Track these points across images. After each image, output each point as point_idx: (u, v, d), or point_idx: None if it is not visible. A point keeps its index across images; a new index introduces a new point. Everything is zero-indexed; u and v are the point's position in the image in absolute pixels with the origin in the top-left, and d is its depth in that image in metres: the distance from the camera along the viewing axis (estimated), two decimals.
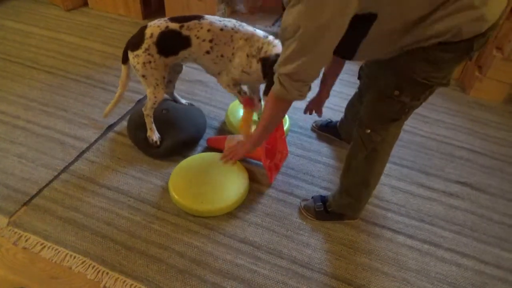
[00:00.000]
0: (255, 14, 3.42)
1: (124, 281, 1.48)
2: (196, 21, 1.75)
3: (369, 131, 1.44)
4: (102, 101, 2.32)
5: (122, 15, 3.19)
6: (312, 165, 2.03)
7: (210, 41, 1.75)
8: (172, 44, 1.75)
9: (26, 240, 1.59)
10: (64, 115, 2.20)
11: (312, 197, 1.80)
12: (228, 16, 3.28)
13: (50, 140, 2.04)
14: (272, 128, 1.61)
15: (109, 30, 3.02)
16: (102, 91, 2.40)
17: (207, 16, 1.78)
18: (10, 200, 1.73)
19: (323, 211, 1.74)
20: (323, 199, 1.77)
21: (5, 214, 1.67)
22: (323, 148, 2.13)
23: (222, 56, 1.79)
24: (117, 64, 2.64)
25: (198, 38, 1.75)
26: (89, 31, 2.99)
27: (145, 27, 1.75)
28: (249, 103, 1.87)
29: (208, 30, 1.75)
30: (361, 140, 1.48)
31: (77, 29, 3.01)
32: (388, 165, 2.03)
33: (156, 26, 1.73)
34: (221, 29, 1.75)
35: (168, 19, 1.76)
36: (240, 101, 1.91)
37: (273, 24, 3.29)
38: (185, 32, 1.74)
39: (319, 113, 2.10)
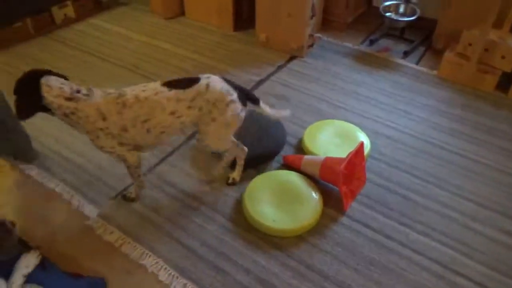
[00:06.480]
0: (343, 31, 3.36)
1: None
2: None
3: None
4: None
5: (215, 25, 3.34)
6: (390, 197, 1.92)
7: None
8: None
9: (110, 233, 1.73)
10: None
11: None
12: (318, 31, 3.26)
13: None
14: None
15: (202, 39, 3.18)
16: None
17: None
18: (101, 193, 1.89)
19: None
20: None
21: (96, 205, 1.84)
22: (404, 179, 2.00)
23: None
24: (205, 73, 2.76)
25: None
26: (183, 39, 3.18)
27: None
28: None
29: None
30: None
31: (172, 36, 3.22)
32: (472, 205, 1.85)
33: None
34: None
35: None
36: None
37: (361, 43, 3.20)
38: None
39: None
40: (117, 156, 1.64)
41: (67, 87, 1.49)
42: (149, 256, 1.64)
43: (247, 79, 2.72)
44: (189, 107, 1.57)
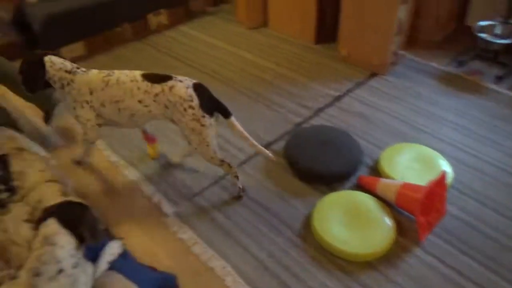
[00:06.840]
0: (430, 50, 3.19)
1: None
2: None
3: None
4: (266, 118, 2.49)
5: (297, 37, 3.37)
6: (472, 234, 1.78)
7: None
8: None
9: (184, 232, 1.82)
10: None
11: None
12: (403, 48, 3.14)
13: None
14: None
15: (282, 50, 3.23)
16: (266, 108, 2.58)
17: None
18: (178, 194, 2.01)
19: None
20: None
21: (173, 204, 1.95)
22: (489, 217, 1.85)
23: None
24: (284, 85, 2.80)
25: None
26: (264, 50, 3.26)
27: None
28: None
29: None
30: None
31: (254, 47, 3.31)
32: None
33: None
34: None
35: None
36: None
37: (448, 64, 3.01)
38: None
39: None
40: (84, 127, 1.85)
41: (68, 63, 1.79)
42: (218, 260, 1.70)
43: (324, 93, 2.71)
44: (155, 101, 1.71)
